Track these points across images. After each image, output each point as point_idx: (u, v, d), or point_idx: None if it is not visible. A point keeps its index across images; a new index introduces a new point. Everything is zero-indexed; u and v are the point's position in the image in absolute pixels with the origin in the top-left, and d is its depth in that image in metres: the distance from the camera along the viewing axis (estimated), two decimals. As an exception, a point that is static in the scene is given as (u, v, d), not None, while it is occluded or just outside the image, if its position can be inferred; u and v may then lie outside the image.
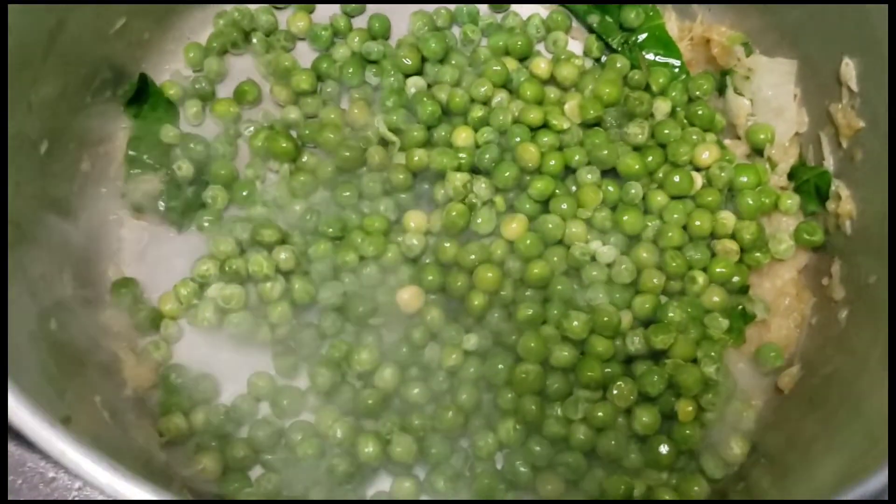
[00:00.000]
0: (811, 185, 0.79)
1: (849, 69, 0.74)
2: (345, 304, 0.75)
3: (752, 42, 0.82)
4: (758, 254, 0.77)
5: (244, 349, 0.76)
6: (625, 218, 0.76)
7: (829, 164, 0.78)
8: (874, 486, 0.54)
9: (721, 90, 0.83)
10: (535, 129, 0.79)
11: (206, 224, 0.78)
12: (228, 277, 0.73)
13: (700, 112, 0.81)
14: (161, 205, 0.78)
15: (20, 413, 0.48)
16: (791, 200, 0.79)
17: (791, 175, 0.81)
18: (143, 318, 0.75)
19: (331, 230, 0.76)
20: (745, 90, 0.82)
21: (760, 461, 0.72)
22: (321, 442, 0.71)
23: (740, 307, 0.77)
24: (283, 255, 0.74)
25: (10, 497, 0.76)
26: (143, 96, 0.80)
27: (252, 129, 0.81)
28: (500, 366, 0.72)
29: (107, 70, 0.78)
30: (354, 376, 0.73)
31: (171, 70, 0.83)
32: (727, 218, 0.77)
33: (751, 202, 0.77)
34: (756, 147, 0.81)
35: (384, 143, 0.79)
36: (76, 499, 0.76)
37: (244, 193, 0.79)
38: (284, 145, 0.78)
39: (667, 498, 0.71)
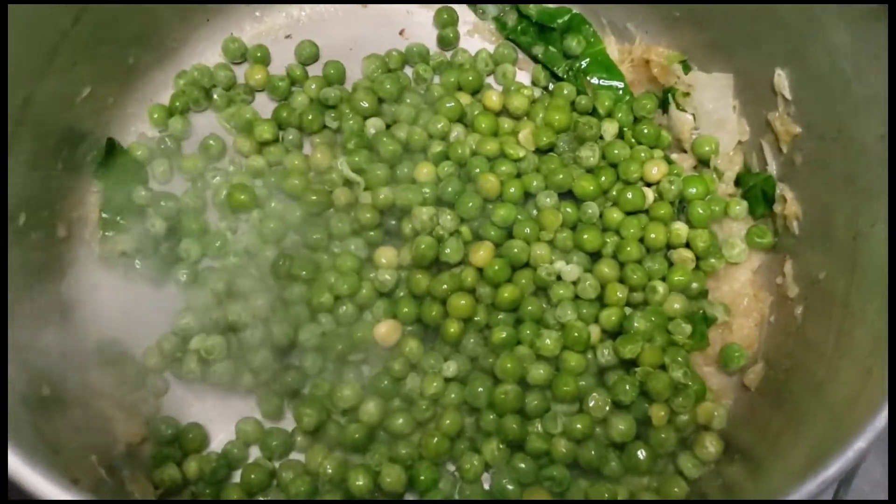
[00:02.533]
0: (758, 190, 0.83)
1: (781, 79, 0.78)
2: (324, 343, 0.77)
3: (690, 59, 0.87)
4: (712, 260, 0.81)
5: (230, 396, 0.78)
6: (584, 237, 0.80)
7: (773, 168, 0.82)
8: (840, 466, 0.56)
9: (664, 107, 0.87)
10: (492, 160, 0.82)
11: (182, 278, 0.80)
12: (209, 329, 0.75)
13: (646, 130, 0.85)
14: (137, 264, 0.80)
15: (32, 479, 0.49)
16: (739, 206, 0.83)
17: (737, 182, 0.85)
18: (128, 375, 0.77)
19: (304, 273, 0.79)
20: (687, 106, 0.86)
21: (735, 457, 0.75)
22: (312, 479, 0.74)
23: (701, 311, 0.80)
24: (260, 302, 0.76)
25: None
26: (112, 159, 0.83)
27: (218, 178, 0.83)
28: (480, 389, 0.75)
29: (75, 137, 0.80)
30: (339, 413, 0.75)
31: (137, 132, 0.86)
32: (680, 228, 0.81)
33: (701, 211, 0.81)
34: (702, 159, 0.85)
35: (349, 184, 0.82)
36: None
37: (217, 244, 0.81)
38: (243, 197, 0.81)
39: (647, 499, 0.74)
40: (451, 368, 0.76)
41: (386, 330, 0.77)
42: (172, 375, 0.78)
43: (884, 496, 0.84)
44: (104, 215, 0.81)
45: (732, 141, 0.85)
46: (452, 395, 0.76)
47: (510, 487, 0.73)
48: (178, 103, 0.86)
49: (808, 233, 0.78)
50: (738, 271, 0.83)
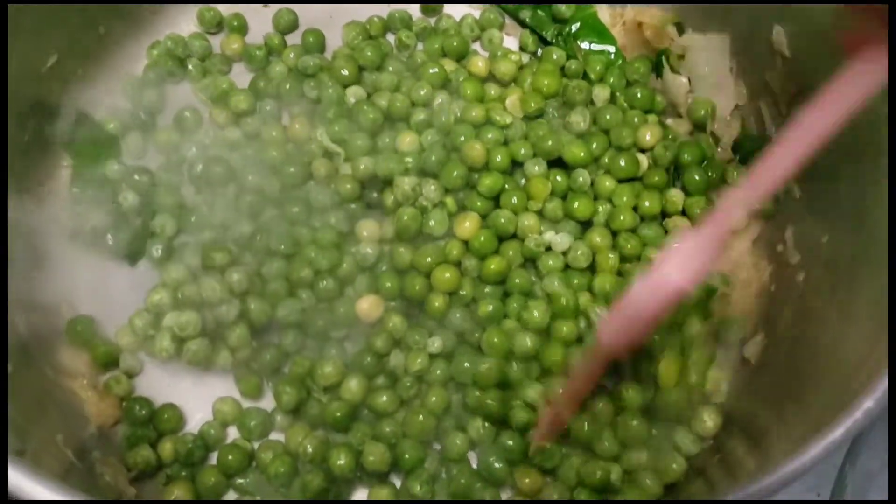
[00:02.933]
0: (757, 155, 0.79)
1: (780, 37, 0.74)
2: (304, 320, 0.74)
3: (684, 21, 0.83)
4: None
5: (206, 376, 0.75)
6: (575, 205, 0.76)
7: (772, 132, 0.78)
8: (847, 426, 0.54)
9: (658, 71, 0.84)
10: (478, 127, 0.79)
11: (156, 254, 0.77)
12: (182, 305, 0.72)
13: (639, 94, 0.81)
14: (109, 239, 0.77)
15: None
16: (738, 172, 0.79)
17: (735, 148, 0.81)
18: (101, 354, 0.74)
19: (283, 247, 0.75)
20: (682, 69, 0.83)
21: (734, 431, 0.72)
22: (292, 460, 0.70)
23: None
24: (236, 277, 0.73)
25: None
26: (83, 133, 0.80)
27: (194, 150, 0.80)
28: (467, 364, 0.72)
29: (43, 109, 0.77)
30: (320, 391, 0.72)
31: (109, 104, 0.82)
32: (676, 195, 0.77)
33: (697, 178, 0.78)
34: (698, 123, 0.81)
35: (329, 154, 0.79)
36: None
37: (192, 219, 0.78)
38: (218, 171, 0.77)
39: (648, 481, 0.70)
40: (435, 344, 0.73)
41: (368, 305, 0.74)
42: (147, 355, 0.75)
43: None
44: (75, 190, 0.78)
45: (730, 104, 0.81)
46: (438, 372, 0.73)
47: (498, 466, 0.70)
48: (151, 74, 0.83)
49: (810, 196, 0.75)
50: (737, 240, 0.79)
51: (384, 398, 0.71)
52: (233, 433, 0.74)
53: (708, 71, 0.82)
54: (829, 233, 0.71)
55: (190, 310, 0.72)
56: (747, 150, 0.80)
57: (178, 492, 0.70)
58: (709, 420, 0.72)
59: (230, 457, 0.71)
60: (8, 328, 0.68)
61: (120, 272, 0.78)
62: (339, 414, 0.71)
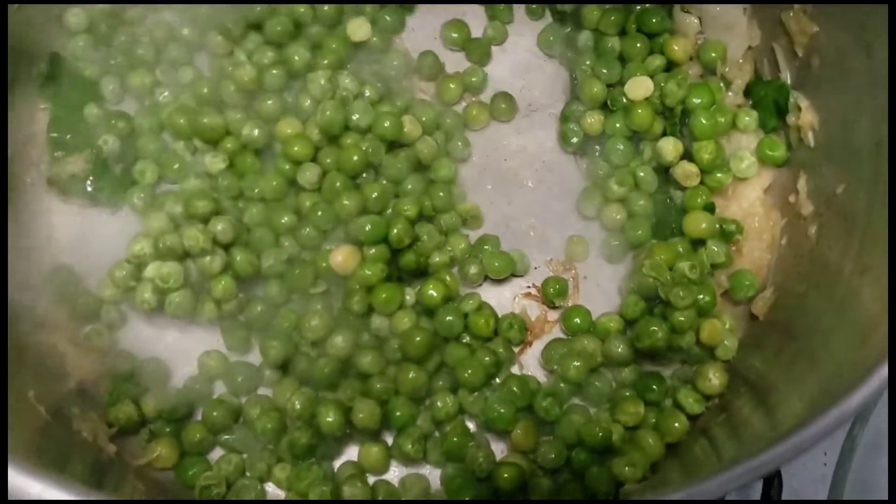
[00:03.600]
0: (769, 100, 0.75)
1: (797, -26, 0.70)
2: (288, 271, 0.71)
3: (697, -43, 0.78)
4: (719, 174, 0.74)
5: (192, 329, 0.72)
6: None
7: (786, 76, 0.74)
8: (863, 394, 0.51)
9: (668, 11, 0.79)
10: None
11: (137, 202, 0.73)
12: (164, 255, 0.69)
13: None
14: (89, 186, 0.74)
15: None
16: (749, 117, 0.75)
17: (747, 92, 0.77)
18: (81, 306, 0.71)
19: (262, 193, 0.73)
20: (693, 8, 0.78)
21: (741, 390, 0.69)
22: (280, 416, 0.68)
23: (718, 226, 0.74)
24: (220, 227, 0.69)
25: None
26: (59, 76, 0.76)
27: (167, 94, 0.76)
28: (450, 318, 0.69)
29: (15, 50, 0.73)
30: (308, 345, 0.69)
31: (85, 45, 0.77)
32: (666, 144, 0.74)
33: (705, 121, 0.73)
34: (708, 66, 0.77)
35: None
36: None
37: (175, 167, 0.74)
38: (181, 122, 0.74)
39: (650, 440, 0.68)
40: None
41: (343, 257, 0.70)
42: (129, 307, 0.72)
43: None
44: (52, 134, 0.75)
45: (742, 46, 0.77)
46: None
47: (502, 410, 0.67)
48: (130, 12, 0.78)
49: (824, 144, 0.71)
50: (748, 188, 0.76)
51: (369, 358, 0.68)
52: (219, 388, 0.71)
53: (720, 10, 0.77)
54: (845, 182, 0.67)
55: (172, 260, 0.69)
56: (760, 94, 0.76)
57: (162, 448, 0.68)
58: (714, 378, 0.69)
59: (216, 413, 0.68)
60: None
61: (101, 221, 0.75)
62: (326, 370, 0.68)
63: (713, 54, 0.76)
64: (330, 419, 0.66)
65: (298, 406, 0.67)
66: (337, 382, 0.69)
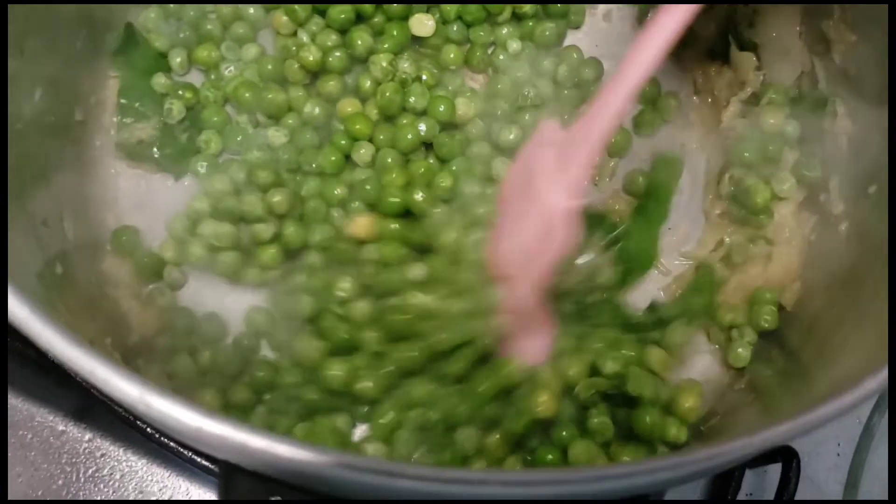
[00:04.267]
0: (809, 112, 0.78)
1: (839, -16, 0.74)
2: (332, 247, 0.75)
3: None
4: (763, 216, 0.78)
5: (248, 290, 0.75)
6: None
7: (823, 84, 0.78)
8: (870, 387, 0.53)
9: (726, 54, 0.83)
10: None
11: (200, 169, 0.77)
12: (220, 216, 0.73)
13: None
14: (155, 152, 0.78)
15: (46, 335, 0.46)
16: (791, 127, 0.78)
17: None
18: (145, 265, 0.75)
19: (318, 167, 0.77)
20: (752, 35, 0.82)
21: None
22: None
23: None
24: (278, 198, 0.73)
25: (20, 451, 0.77)
26: (131, 46, 0.79)
27: (232, 69, 0.80)
28: None
29: (92, 21, 0.77)
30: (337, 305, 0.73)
31: (155, 18, 0.81)
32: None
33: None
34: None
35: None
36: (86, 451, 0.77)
37: (238, 139, 0.78)
38: (248, 96, 0.78)
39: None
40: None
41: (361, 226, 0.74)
42: (186, 266, 0.76)
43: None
44: (122, 101, 0.78)
45: (795, 71, 0.80)
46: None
47: None
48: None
49: (858, 147, 0.74)
50: (783, 205, 0.78)
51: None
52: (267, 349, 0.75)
53: (776, 35, 0.80)
54: (877, 182, 0.70)
55: (227, 222, 0.73)
56: (801, 109, 0.79)
57: (209, 397, 0.71)
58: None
59: (260, 373, 0.72)
60: (55, 232, 0.69)
61: (165, 186, 0.79)
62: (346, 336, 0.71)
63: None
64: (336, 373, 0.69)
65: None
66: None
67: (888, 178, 0.65)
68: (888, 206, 0.66)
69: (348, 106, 0.78)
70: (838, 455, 0.83)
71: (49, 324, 0.46)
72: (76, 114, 0.76)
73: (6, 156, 0.61)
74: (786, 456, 0.71)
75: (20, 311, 0.46)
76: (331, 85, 0.78)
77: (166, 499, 0.76)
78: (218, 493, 0.53)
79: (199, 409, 0.43)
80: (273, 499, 0.51)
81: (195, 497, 0.76)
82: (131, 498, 0.76)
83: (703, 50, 0.84)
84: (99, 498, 0.75)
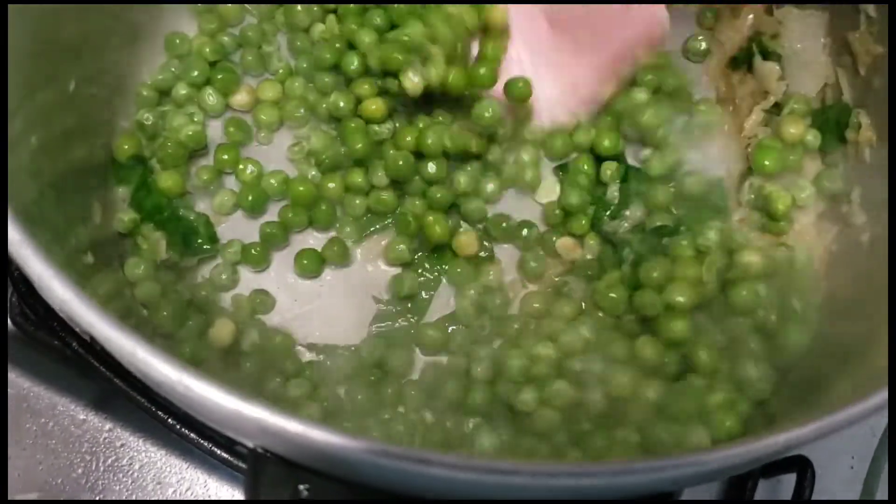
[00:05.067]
0: (832, 122, 0.79)
1: (866, -6, 0.74)
2: None
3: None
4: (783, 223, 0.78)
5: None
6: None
7: (847, 95, 0.78)
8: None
9: (748, 62, 0.84)
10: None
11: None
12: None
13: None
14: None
15: (89, 316, 0.47)
16: (812, 136, 0.79)
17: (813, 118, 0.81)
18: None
19: None
20: (776, 47, 0.82)
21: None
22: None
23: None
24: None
25: (42, 438, 0.77)
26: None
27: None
28: None
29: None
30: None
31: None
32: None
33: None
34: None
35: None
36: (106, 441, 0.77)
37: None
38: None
39: None
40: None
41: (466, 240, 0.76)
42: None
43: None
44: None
45: (818, 83, 0.81)
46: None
47: None
48: None
49: (880, 159, 0.75)
50: (803, 214, 0.79)
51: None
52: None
53: (801, 47, 0.81)
54: (897, 195, 0.71)
55: None
56: (824, 117, 0.80)
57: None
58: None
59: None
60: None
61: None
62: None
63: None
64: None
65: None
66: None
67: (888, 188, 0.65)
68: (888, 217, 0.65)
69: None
70: (852, 468, 0.83)
71: (93, 306, 0.46)
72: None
73: (6, 154, 0.62)
74: (800, 466, 0.72)
75: (63, 293, 0.46)
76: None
77: (184, 499, 0.76)
78: (245, 480, 0.53)
79: (236, 392, 0.44)
80: (301, 486, 0.51)
81: (212, 488, 0.76)
82: (149, 488, 0.76)
83: (727, 59, 0.85)
84: (117, 488, 0.76)
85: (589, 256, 0.77)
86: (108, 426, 0.77)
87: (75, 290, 0.46)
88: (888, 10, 0.66)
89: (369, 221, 0.77)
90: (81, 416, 0.77)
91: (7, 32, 0.61)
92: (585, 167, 0.78)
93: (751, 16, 0.84)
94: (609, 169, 0.78)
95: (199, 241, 0.73)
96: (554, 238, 0.77)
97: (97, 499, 0.75)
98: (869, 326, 0.68)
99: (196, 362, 0.69)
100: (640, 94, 0.79)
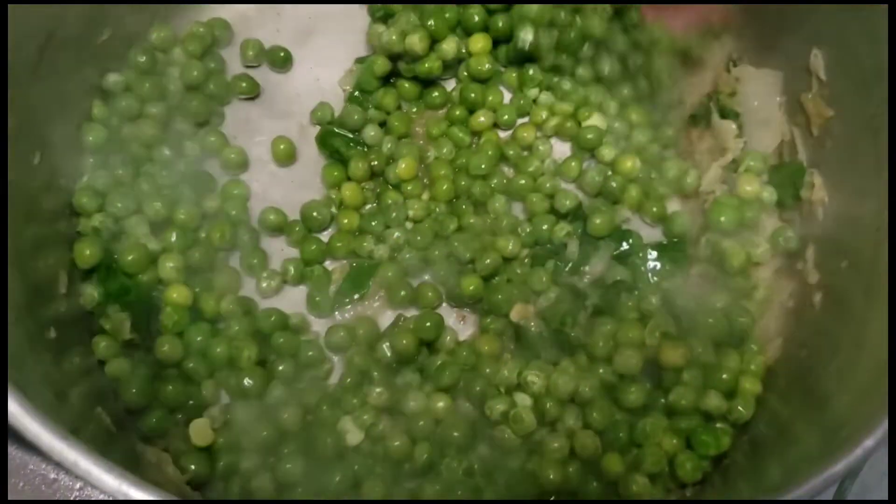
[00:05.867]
0: (787, 179, 0.81)
1: (817, 60, 0.76)
2: None
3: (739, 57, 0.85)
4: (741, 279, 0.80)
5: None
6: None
7: (802, 154, 0.80)
8: (847, 462, 0.56)
9: (706, 119, 0.85)
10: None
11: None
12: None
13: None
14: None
15: (31, 426, 0.51)
16: (768, 193, 0.80)
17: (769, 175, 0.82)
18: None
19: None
20: (734, 104, 0.84)
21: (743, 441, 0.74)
22: None
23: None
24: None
25: (13, 495, 0.78)
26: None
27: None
28: None
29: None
30: None
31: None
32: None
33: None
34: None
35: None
36: (77, 499, 0.79)
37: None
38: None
39: None
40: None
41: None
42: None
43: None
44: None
45: (775, 140, 0.83)
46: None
47: None
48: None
49: (832, 220, 0.76)
50: (759, 269, 0.81)
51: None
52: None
53: (757, 105, 0.83)
54: (848, 259, 0.72)
55: None
56: (779, 175, 0.81)
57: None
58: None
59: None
60: (49, 296, 0.71)
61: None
62: None
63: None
64: None
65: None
66: None
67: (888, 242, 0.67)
68: (888, 250, 0.67)
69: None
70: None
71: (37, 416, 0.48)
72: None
73: (6, 164, 0.63)
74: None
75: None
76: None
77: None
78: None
79: (174, 499, 0.46)
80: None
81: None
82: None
83: (686, 116, 0.86)
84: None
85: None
86: (78, 485, 0.79)
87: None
88: (888, 11, 0.66)
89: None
90: (52, 476, 0.78)
91: (7, 32, 0.64)
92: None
93: (709, 73, 0.85)
94: (563, 230, 0.81)
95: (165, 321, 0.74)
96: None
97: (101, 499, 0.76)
98: (818, 385, 0.70)
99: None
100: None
